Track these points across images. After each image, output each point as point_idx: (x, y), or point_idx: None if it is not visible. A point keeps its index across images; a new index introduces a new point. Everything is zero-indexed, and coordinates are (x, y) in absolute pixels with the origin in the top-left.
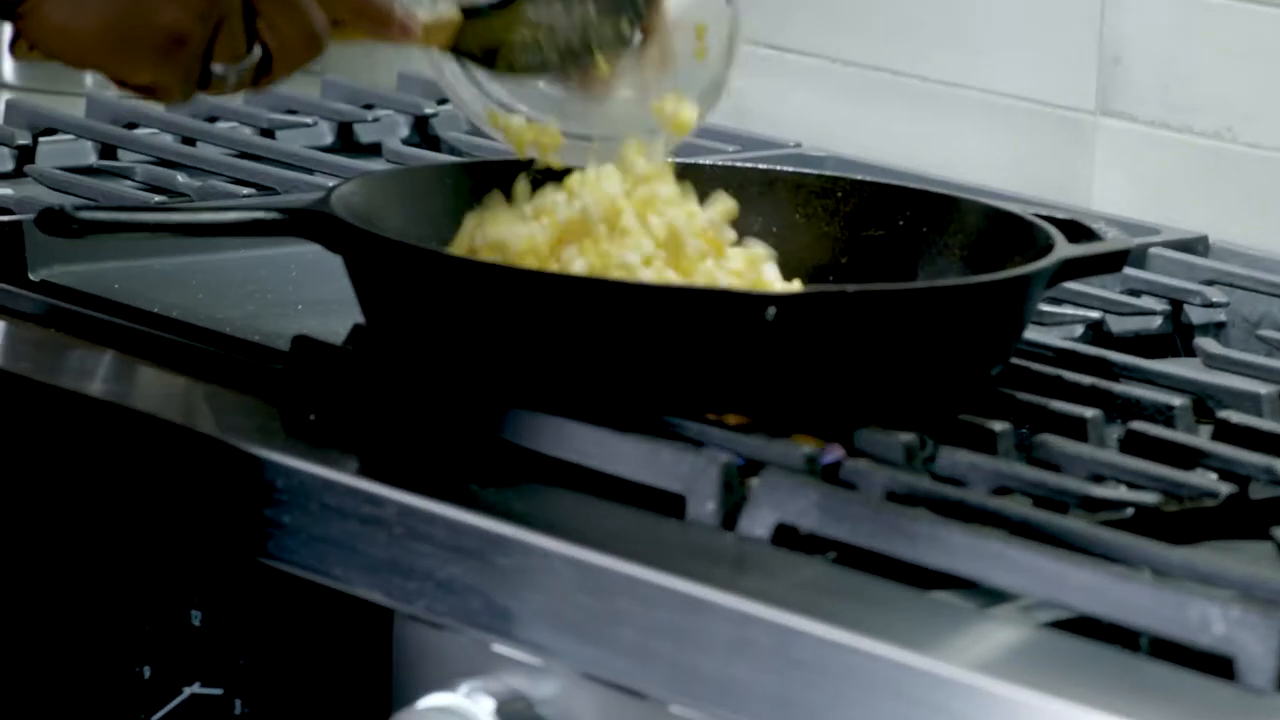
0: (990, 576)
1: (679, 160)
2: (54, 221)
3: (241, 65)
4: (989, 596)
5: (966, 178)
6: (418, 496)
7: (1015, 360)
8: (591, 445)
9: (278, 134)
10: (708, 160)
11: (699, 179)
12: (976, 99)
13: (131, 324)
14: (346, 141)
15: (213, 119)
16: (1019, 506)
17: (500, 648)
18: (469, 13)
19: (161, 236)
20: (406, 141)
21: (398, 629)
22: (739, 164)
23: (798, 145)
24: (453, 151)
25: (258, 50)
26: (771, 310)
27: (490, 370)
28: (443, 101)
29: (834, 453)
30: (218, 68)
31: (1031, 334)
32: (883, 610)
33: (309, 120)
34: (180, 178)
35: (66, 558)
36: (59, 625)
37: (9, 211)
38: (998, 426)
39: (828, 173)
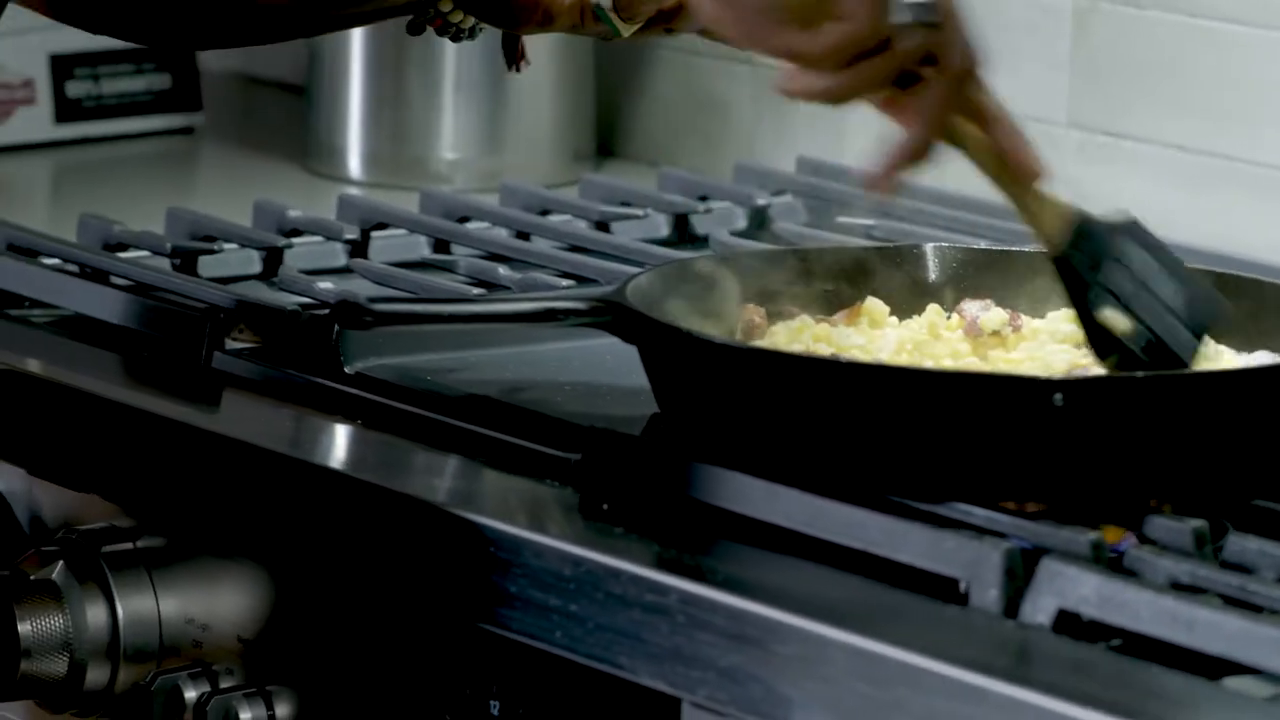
0: (1271, 663)
1: (985, 247)
2: (349, 313)
3: (920, 15)
4: None
5: None
6: (699, 584)
7: None
8: (877, 532)
9: (612, 226)
10: (1024, 248)
11: (996, 264)
12: None
13: (431, 414)
14: (683, 234)
15: (545, 212)
16: None
17: None
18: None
19: (456, 327)
20: (742, 233)
21: (686, 718)
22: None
23: None
24: (783, 243)
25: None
26: (1059, 396)
27: (777, 458)
28: (778, 193)
29: (1127, 541)
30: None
31: None
32: (1162, 698)
33: (640, 213)
34: (502, 270)
35: (369, 649)
36: (365, 716)
37: (328, 306)
38: None
39: None
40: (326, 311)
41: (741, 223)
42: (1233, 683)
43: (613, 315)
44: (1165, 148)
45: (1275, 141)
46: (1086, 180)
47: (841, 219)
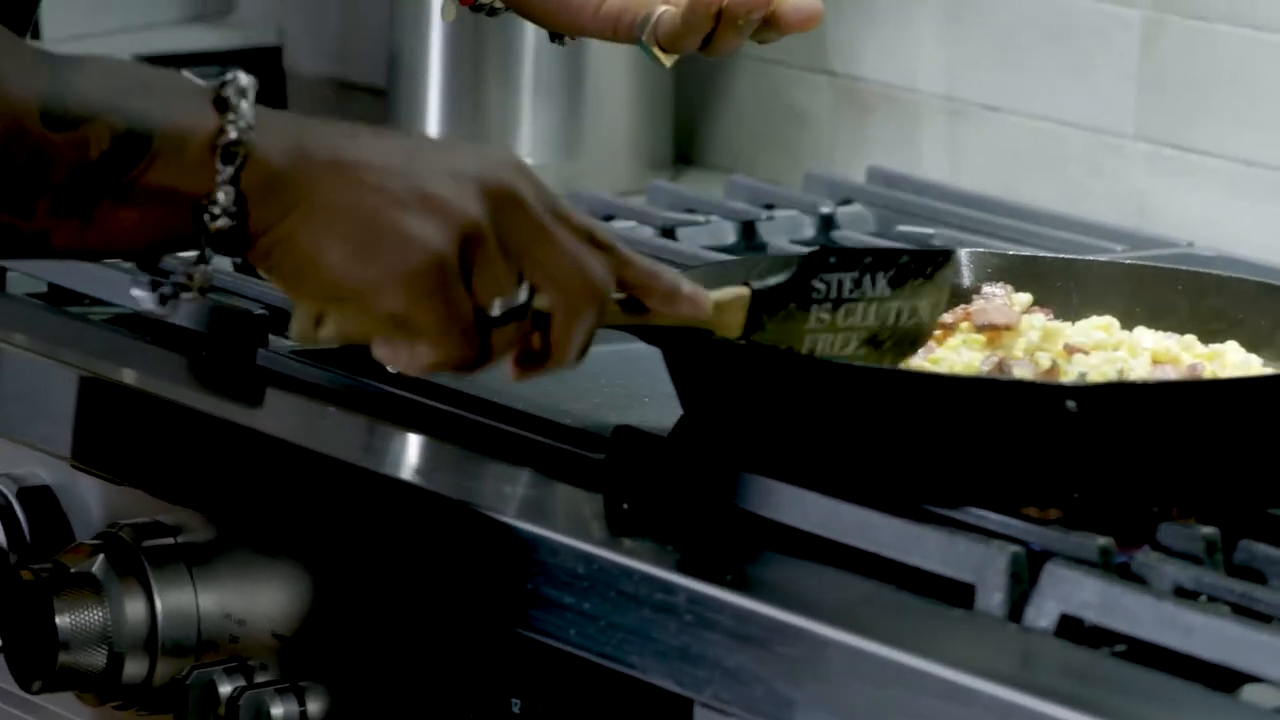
0: (1271, 672)
1: (1018, 253)
2: None
3: (510, 301)
4: None
5: None
6: (706, 584)
7: None
8: (890, 535)
9: (678, 233)
10: (1090, 257)
11: (1029, 270)
12: None
13: (468, 414)
14: (750, 241)
15: (610, 218)
16: None
17: None
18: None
19: None
20: (806, 241)
21: (698, 718)
22: (1096, 259)
23: (1190, 245)
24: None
25: (525, 291)
26: (1072, 403)
27: (796, 461)
28: (845, 202)
29: (1139, 550)
30: (494, 307)
31: None
32: (1158, 705)
33: (700, 219)
34: None
35: (398, 646)
36: (393, 713)
37: None
38: None
39: (1168, 266)
40: None
41: (809, 231)
42: (1249, 692)
43: None
44: (1232, 161)
45: None
46: (1154, 193)
47: (902, 228)
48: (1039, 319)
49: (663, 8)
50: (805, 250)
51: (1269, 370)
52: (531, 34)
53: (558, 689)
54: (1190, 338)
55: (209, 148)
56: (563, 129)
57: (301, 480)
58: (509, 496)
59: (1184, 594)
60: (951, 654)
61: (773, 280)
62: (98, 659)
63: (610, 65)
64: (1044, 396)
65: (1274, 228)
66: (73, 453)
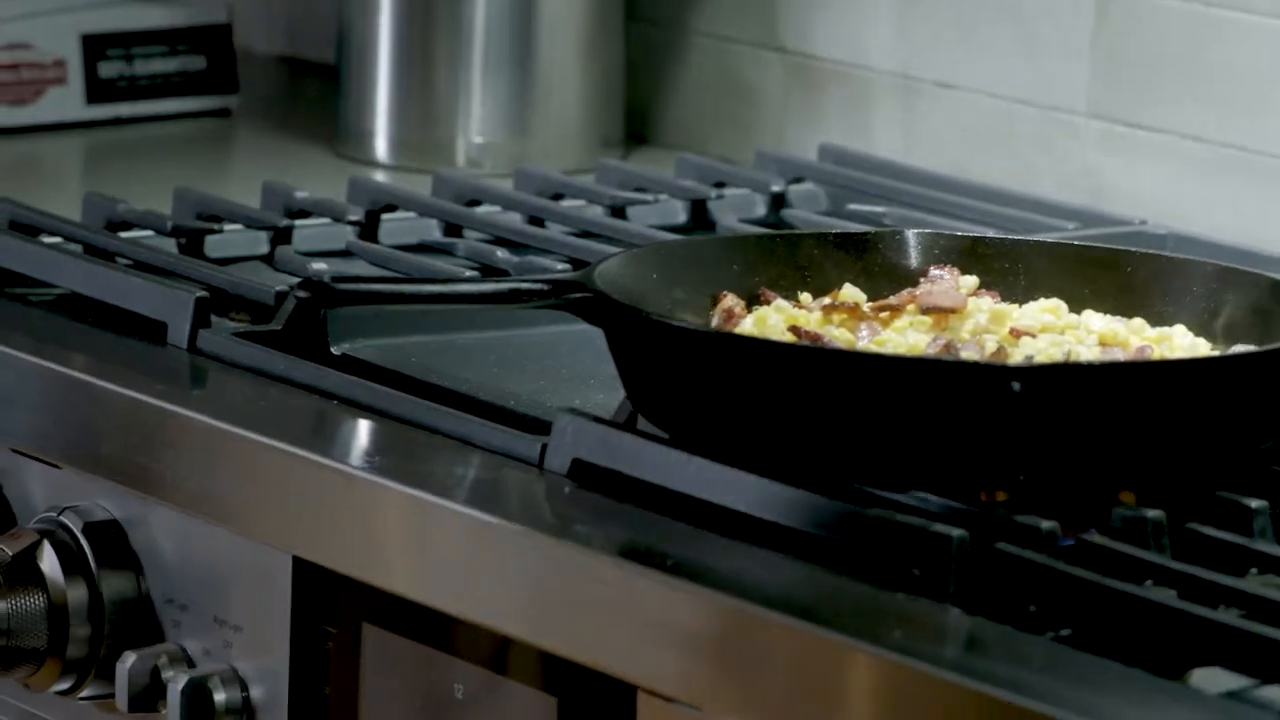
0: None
1: (967, 234)
2: (313, 292)
3: None
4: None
5: None
6: (648, 569)
7: None
8: (830, 517)
9: (628, 212)
10: (1040, 236)
11: (978, 251)
12: None
13: (407, 395)
14: (700, 220)
15: (559, 196)
16: (1255, 584)
17: None
18: None
19: (420, 308)
20: (757, 220)
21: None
22: (1041, 239)
23: (1143, 223)
24: (789, 229)
25: None
26: (1017, 384)
27: (740, 443)
28: (796, 180)
29: (1086, 533)
30: None
31: None
32: (1102, 691)
33: (649, 198)
34: (500, 254)
35: (338, 634)
36: (331, 700)
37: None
38: (1254, 504)
39: (1117, 246)
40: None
41: (760, 209)
42: (1197, 678)
43: (579, 297)
44: (1184, 138)
45: None
46: (1106, 170)
47: (853, 206)
48: (986, 302)
49: None
50: (757, 230)
51: (1216, 352)
52: (482, 9)
53: (501, 672)
54: (1139, 321)
55: None
56: (513, 107)
57: (245, 464)
58: (457, 480)
59: (1131, 578)
60: (893, 637)
61: None
62: (38, 643)
63: (561, 42)
64: (989, 378)
65: (1226, 204)
66: (14, 438)
